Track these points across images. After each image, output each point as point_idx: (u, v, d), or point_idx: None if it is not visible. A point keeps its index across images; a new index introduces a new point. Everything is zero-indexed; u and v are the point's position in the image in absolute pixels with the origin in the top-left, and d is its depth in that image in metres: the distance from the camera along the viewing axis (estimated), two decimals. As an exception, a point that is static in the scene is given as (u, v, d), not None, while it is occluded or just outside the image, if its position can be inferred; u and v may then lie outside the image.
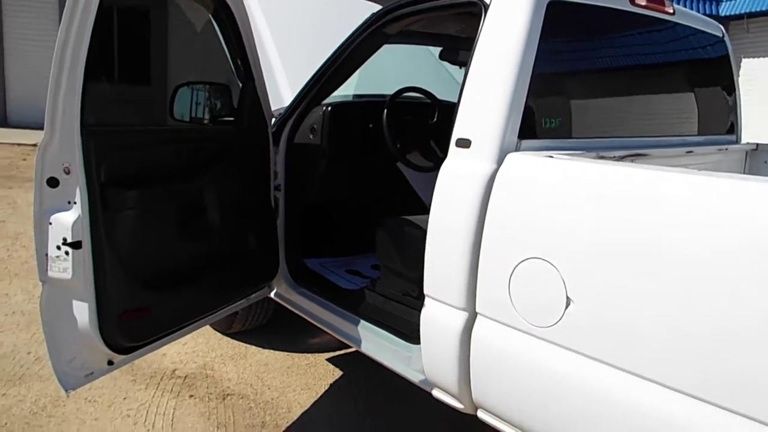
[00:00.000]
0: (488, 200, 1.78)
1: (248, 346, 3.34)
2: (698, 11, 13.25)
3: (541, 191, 1.69)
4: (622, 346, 1.48)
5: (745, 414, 1.27)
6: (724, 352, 1.29)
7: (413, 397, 2.74)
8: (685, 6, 13.37)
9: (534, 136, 1.90)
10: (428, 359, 2.03)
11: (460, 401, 1.99)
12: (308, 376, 3.06)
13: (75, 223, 1.81)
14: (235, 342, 3.37)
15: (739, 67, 11.88)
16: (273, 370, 3.10)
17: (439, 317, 1.95)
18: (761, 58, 13.04)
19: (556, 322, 1.61)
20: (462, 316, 1.87)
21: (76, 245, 1.82)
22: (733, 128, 2.96)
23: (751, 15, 13.05)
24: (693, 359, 1.34)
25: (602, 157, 1.88)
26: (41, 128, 1.80)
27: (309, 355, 3.30)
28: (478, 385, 1.89)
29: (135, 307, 2.01)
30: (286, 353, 3.29)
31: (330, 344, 3.40)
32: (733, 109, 2.95)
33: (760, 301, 1.24)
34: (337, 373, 3.13)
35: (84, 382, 2.00)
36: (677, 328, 1.36)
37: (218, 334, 3.44)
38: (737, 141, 3.00)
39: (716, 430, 1.31)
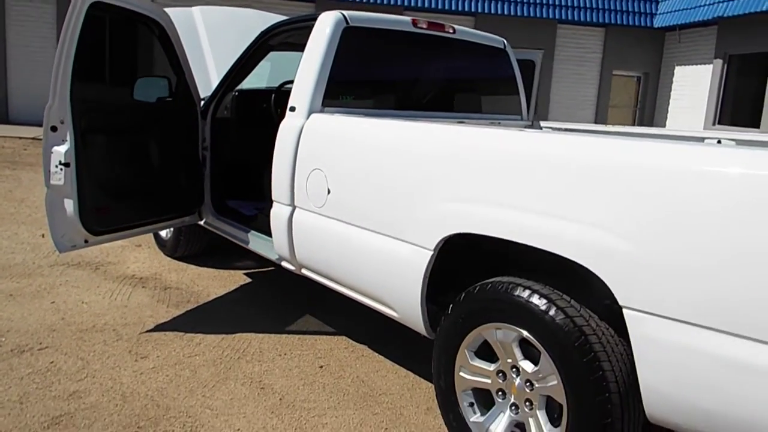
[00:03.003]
0: (299, 140, 3.15)
1: (188, 264, 4.70)
2: (633, 24, 14.72)
3: (321, 132, 3.05)
4: (352, 212, 2.84)
5: (396, 237, 2.64)
6: (394, 209, 2.66)
7: (292, 301, 4.10)
8: (620, 20, 14.90)
9: (333, 105, 3.25)
10: (276, 242, 3.39)
11: (293, 265, 3.35)
12: (226, 281, 4.42)
13: (66, 152, 3.15)
14: (179, 263, 4.74)
15: (672, 74, 13.30)
16: (203, 278, 4.45)
17: (278, 212, 3.31)
18: (691, 66, 14.49)
19: (324, 204, 2.98)
20: (288, 209, 3.23)
21: (66, 165, 3.16)
22: (516, 110, 4.33)
23: (683, 27, 14.51)
24: (382, 217, 2.70)
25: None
26: (39, 124, 3.15)
27: (232, 271, 4.65)
28: (298, 251, 3.24)
29: (101, 206, 3.36)
30: (215, 269, 4.65)
31: (248, 266, 4.77)
32: (516, 96, 4.31)
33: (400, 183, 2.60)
34: (248, 280, 4.48)
35: (70, 250, 3.33)
36: (373, 199, 2.72)
37: (167, 258, 4.81)
38: (522, 119, 4.38)
39: (386, 245, 2.67)
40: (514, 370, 2.23)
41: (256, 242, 3.76)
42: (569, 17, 14.70)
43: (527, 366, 2.17)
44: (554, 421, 2.13)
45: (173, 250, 4.74)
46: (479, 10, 14.84)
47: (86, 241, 3.40)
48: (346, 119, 2.97)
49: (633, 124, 15.84)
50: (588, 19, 14.81)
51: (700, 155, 1.73)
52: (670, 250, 1.75)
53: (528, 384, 2.18)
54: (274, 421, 2.64)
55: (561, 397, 2.05)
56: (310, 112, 3.18)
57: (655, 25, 14.87)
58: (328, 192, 2.95)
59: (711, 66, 13.57)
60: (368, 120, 2.86)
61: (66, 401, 2.68)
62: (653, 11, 14.91)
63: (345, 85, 3.35)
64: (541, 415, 2.16)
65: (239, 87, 4.26)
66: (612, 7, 14.84)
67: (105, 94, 3.56)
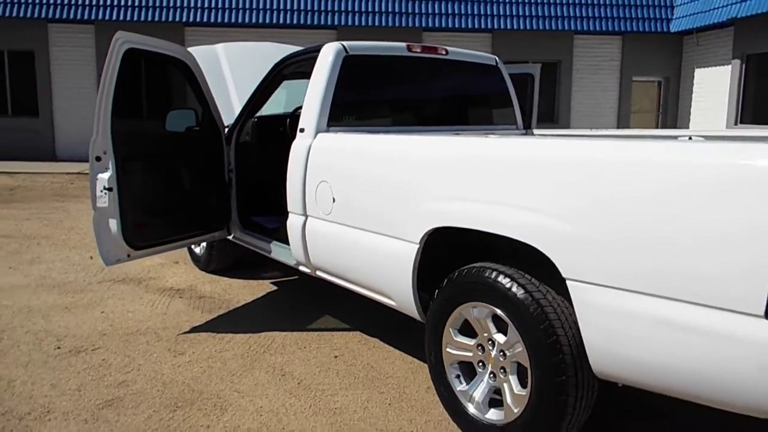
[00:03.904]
0: (308, 157, 3.58)
1: (220, 277, 5.18)
2: (650, 30, 14.90)
3: (326, 149, 3.48)
4: (353, 216, 3.25)
5: (390, 234, 3.04)
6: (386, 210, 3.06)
7: (312, 304, 4.52)
8: (636, 27, 15.07)
9: (337, 125, 3.69)
10: (293, 248, 3.82)
11: (308, 268, 3.77)
12: (255, 290, 4.87)
13: (110, 178, 3.65)
14: (212, 276, 5.22)
15: (693, 76, 13.45)
16: (233, 288, 4.91)
17: (293, 222, 3.74)
18: (710, 68, 14.56)
19: (331, 211, 3.40)
20: (301, 218, 3.66)
21: (110, 189, 3.66)
22: (511, 120, 4.70)
23: (699, 30, 14.62)
24: (377, 218, 3.11)
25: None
26: (82, 160, 3.66)
27: (260, 281, 5.11)
28: (312, 254, 3.66)
29: (140, 223, 3.85)
30: (244, 280, 5.11)
31: (274, 276, 5.22)
32: (510, 108, 4.68)
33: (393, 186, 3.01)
34: (274, 288, 4.92)
35: (115, 263, 3.83)
36: (369, 204, 3.13)
37: (201, 272, 5.30)
38: (518, 128, 4.74)
39: (381, 243, 3.07)
40: (490, 342, 2.59)
41: (277, 251, 4.21)
42: (585, 28, 14.98)
43: (500, 338, 2.53)
44: (525, 384, 2.48)
45: (206, 264, 5.23)
46: (495, 27, 15.24)
47: (129, 255, 3.89)
48: (346, 136, 3.41)
49: (656, 128, 15.95)
50: (604, 29, 15.06)
51: (618, 149, 2.09)
52: (601, 229, 2.10)
53: (501, 354, 2.54)
54: (292, 400, 3.05)
55: (525, 361, 2.41)
56: (317, 132, 3.61)
57: (672, 30, 15.01)
58: (333, 200, 3.38)
59: (729, 67, 13.65)
60: (363, 136, 3.29)
61: (116, 388, 3.14)
62: (669, 16, 15.07)
63: (347, 106, 3.78)
64: (513, 380, 2.51)
65: (258, 114, 4.75)
66: (627, 15, 15.07)
67: (140, 127, 4.07)
